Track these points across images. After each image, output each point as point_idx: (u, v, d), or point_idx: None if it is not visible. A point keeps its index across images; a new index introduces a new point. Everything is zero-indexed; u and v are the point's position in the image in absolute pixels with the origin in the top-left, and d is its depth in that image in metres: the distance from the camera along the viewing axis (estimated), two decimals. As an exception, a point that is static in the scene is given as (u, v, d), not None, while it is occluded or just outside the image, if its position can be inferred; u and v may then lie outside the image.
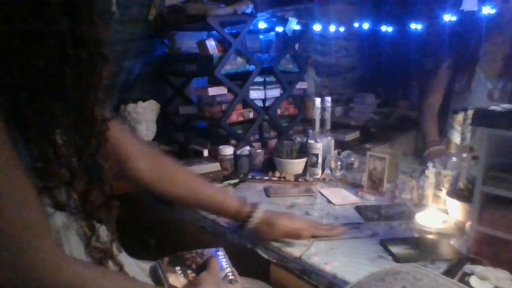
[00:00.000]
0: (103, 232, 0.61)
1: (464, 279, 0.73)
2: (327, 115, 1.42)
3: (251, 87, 1.56)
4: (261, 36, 1.72)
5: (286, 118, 1.72)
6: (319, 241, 0.92)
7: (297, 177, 1.37)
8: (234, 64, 1.51)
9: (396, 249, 0.86)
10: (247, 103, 1.57)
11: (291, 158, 1.40)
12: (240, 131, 1.57)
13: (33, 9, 0.45)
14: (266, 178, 1.38)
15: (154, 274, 0.76)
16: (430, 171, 1.08)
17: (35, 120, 0.47)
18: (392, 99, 2.34)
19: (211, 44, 1.50)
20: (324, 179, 1.36)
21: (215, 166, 1.38)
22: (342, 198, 1.20)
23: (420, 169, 1.37)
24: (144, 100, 1.59)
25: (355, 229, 0.99)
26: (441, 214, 0.99)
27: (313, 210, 1.12)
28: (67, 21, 0.47)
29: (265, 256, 0.92)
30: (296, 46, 1.71)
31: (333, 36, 2.20)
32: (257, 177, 1.39)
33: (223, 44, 1.53)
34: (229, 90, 1.52)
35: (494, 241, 0.77)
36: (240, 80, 1.54)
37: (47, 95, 0.48)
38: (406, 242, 0.90)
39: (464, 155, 1.07)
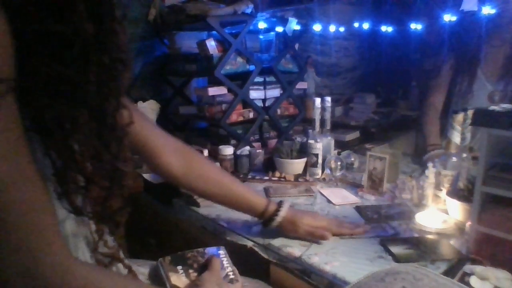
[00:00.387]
0: (109, 237, 0.61)
1: (464, 279, 0.73)
2: (327, 115, 1.42)
3: (251, 87, 1.56)
4: (261, 36, 1.72)
5: (286, 118, 1.73)
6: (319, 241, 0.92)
7: (297, 177, 1.37)
8: (234, 64, 1.51)
9: (396, 249, 0.86)
10: (247, 103, 1.57)
11: (291, 158, 1.40)
12: (240, 131, 1.57)
13: (60, 16, 0.45)
14: (266, 178, 1.38)
15: (155, 274, 0.76)
16: (430, 171, 1.08)
17: (55, 126, 0.47)
18: (392, 99, 2.33)
19: (211, 44, 1.50)
20: (324, 179, 1.36)
21: (215, 166, 1.37)
22: (342, 198, 1.20)
23: (420, 169, 1.37)
24: (144, 100, 1.59)
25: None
26: (441, 214, 0.99)
27: (313, 210, 1.12)
28: (92, 28, 0.47)
29: (265, 256, 0.92)
30: (296, 46, 1.71)
31: (333, 36, 2.20)
32: (257, 177, 1.39)
33: (223, 44, 1.53)
34: (229, 90, 1.52)
35: (494, 241, 0.77)
36: (240, 80, 1.54)
37: (69, 101, 0.48)
38: (406, 242, 0.90)
39: (464, 155, 1.07)
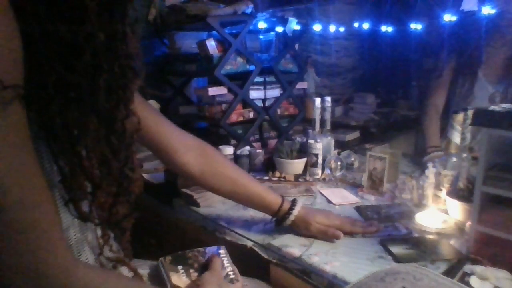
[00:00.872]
0: (113, 241, 0.61)
1: (464, 279, 0.73)
2: (327, 115, 1.42)
3: (251, 87, 1.56)
4: (261, 36, 1.72)
5: (286, 118, 1.72)
6: (319, 241, 0.92)
7: (297, 177, 1.37)
8: (234, 64, 1.51)
9: (396, 249, 0.86)
10: (247, 103, 1.57)
11: (291, 158, 1.40)
12: (240, 131, 1.57)
13: (71, 24, 0.45)
14: (266, 178, 1.38)
15: (156, 273, 0.76)
16: (430, 171, 1.08)
17: (64, 133, 0.47)
18: (392, 99, 2.34)
19: (211, 44, 1.50)
20: (324, 179, 1.36)
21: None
22: (342, 198, 1.20)
23: (420, 169, 1.37)
24: (144, 100, 1.59)
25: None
26: (441, 214, 0.99)
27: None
28: (103, 36, 0.47)
29: (265, 256, 0.92)
30: (296, 46, 1.71)
31: (333, 36, 2.20)
32: (257, 177, 1.39)
33: (223, 44, 1.53)
34: (229, 90, 1.52)
35: (494, 241, 0.77)
36: (240, 80, 1.54)
37: (78, 108, 0.48)
38: (406, 242, 0.90)
39: (464, 155, 1.07)
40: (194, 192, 1.17)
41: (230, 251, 0.84)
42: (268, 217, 0.99)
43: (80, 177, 0.50)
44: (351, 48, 2.43)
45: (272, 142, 1.65)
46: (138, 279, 0.64)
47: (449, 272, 0.77)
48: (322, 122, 1.42)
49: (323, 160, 1.37)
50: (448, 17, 1.47)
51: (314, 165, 1.37)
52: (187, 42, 1.70)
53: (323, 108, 1.41)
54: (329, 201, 1.18)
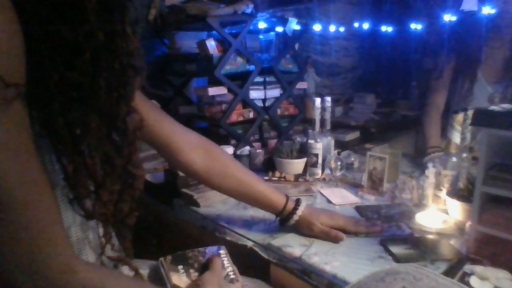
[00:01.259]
0: (115, 240, 0.61)
1: (464, 279, 0.73)
2: (327, 115, 1.42)
3: (251, 87, 1.56)
4: (261, 36, 1.72)
5: (286, 118, 1.73)
6: (319, 241, 0.92)
7: (297, 177, 1.37)
8: (234, 64, 1.51)
9: (396, 249, 0.86)
10: (247, 103, 1.57)
11: (291, 158, 1.40)
12: (240, 131, 1.57)
13: (71, 24, 0.45)
14: (266, 178, 1.38)
15: (156, 273, 0.76)
16: (430, 171, 1.08)
17: (66, 131, 0.48)
18: (392, 99, 2.33)
19: (211, 44, 1.50)
20: (324, 179, 1.36)
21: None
22: (342, 198, 1.20)
23: (420, 169, 1.37)
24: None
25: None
26: (441, 214, 0.99)
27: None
28: (102, 35, 0.47)
29: (265, 256, 0.92)
30: (296, 46, 1.71)
31: (333, 36, 2.20)
32: (257, 177, 1.39)
33: (223, 44, 1.53)
34: (229, 90, 1.52)
35: (494, 241, 0.77)
36: (240, 80, 1.54)
37: (80, 106, 0.48)
38: (406, 242, 0.90)
39: (464, 155, 1.07)
40: (194, 192, 1.17)
41: (230, 251, 0.84)
42: (269, 217, 0.99)
43: (83, 175, 0.50)
44: (351, 48, 2.43)
45: (272, 142, 1.65)
46: (139, 278, 0.64)
47: (449, 272, 0.77)
48: (322, 122, 1.42)
49: (323, 160, 1.37)
50: (448, 17, 1.46)
51: (314, 165, 1.37)
52: (187, 42, 1.70)
53: (323, 108, 1.41)
54: (329, 201, 1.18)
